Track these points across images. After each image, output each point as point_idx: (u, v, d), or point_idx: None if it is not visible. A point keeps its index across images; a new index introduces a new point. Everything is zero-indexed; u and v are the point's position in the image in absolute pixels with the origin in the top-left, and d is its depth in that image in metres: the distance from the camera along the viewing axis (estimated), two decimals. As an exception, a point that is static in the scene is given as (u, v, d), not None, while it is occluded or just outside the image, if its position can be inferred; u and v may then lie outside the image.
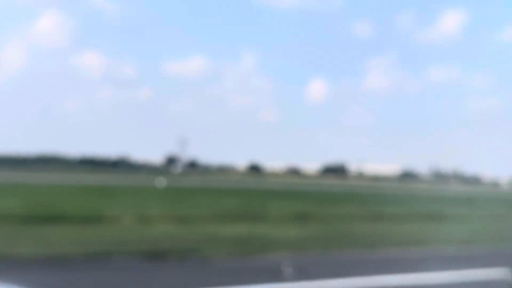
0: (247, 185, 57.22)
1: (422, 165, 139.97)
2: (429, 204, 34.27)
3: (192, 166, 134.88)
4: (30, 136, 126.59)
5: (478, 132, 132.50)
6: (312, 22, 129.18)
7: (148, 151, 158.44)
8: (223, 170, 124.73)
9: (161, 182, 46.75)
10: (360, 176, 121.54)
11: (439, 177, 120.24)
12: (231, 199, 30.94)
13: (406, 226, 20.53)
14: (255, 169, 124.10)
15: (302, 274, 8.98)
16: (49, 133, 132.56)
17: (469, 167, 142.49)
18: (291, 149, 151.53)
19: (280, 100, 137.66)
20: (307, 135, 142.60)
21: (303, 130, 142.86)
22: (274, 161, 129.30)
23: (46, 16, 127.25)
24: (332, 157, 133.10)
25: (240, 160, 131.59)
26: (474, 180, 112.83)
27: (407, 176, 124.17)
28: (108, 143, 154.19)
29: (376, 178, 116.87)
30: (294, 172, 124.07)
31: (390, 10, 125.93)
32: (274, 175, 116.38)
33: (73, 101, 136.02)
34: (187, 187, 47.02)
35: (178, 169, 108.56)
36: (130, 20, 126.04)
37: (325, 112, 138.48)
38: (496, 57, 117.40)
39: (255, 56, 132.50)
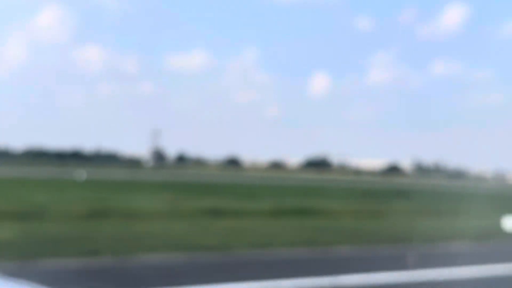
0: (203, 179, 55.28)
1: (411, 160, 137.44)
2: (343, 197, 31.96)
3: (181, 159, 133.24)
4: (26, 131, 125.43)
5: (476, 128, 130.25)
6: (314, 17, 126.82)
7: (145, 145, 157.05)
8: (203, 164, 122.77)
9: (81, 175, 44.79)
10: (343, 170, 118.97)
11: (423, 171, 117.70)
12: (116, 194, 28.95)
13: (243, 222, 18.38)
14: (233, 163, 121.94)
15: None
16: (46, 128, 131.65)
17: (458, 162, 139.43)
18: (287, 144, 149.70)
19: (281, 95, 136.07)
20: (306, 130, 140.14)
21: (302, 125, 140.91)
22: (267, 155, 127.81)
23: (47, 10, 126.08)
24: (330, 153, 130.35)
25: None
26: (459, 175, 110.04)
27: (393, 170, 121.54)
28: (106, 138, 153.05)
29: (358, 172, 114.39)
30: (276, 166, 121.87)
31: (393, 5, 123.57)
32: (254, 169, 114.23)
33: (72, 95, 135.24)
34: (113, 181, 44.91)
35: (150, 162, 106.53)
36: (131, 14, 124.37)
37: (326, 107, 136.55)
38: (498, 52, 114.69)
39: (256, 51, 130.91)
